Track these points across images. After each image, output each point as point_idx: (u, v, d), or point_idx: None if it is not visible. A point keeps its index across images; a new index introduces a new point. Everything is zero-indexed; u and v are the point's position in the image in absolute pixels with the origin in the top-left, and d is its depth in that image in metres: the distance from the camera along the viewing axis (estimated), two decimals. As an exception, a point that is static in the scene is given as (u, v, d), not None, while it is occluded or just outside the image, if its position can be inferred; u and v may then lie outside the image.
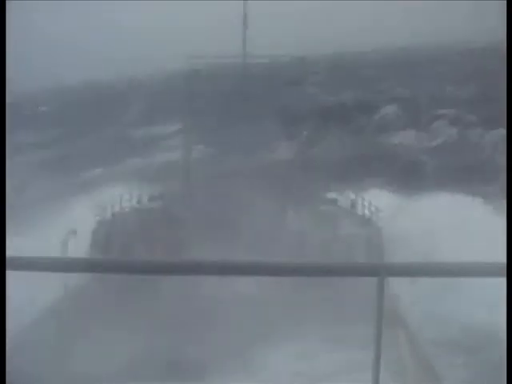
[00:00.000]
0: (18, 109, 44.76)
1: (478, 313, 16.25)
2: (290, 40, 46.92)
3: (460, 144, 43.28)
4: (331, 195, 25.94)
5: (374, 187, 31.69)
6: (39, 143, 48.45)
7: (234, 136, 29.58)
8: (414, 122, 46.22)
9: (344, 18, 58.06)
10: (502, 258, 3.07)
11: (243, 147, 28.77)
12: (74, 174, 38.96)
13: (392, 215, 23.61)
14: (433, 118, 46.17)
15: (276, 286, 12.72)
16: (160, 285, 13.91)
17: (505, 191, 11.42)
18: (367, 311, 3.04)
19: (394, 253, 19.94)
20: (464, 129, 44.59)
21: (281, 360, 13.05)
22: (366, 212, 23.52)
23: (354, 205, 24.40)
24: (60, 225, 20.29)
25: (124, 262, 3.09)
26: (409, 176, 36.91)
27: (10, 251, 2.93)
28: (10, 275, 2.94)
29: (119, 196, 23.99)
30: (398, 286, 14.25)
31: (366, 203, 23.83)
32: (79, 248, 18.70)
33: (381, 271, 2.81)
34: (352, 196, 25.04)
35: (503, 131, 36.68)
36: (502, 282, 2.85)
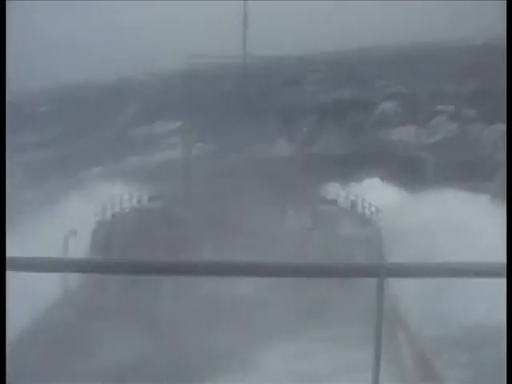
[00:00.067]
0: (18, 109, 44.72)
1: (478, 311, 16.26)
2: (290, 40, 46.91)
3: (459, 139, 43.39)
4: (331, 193, 25.96)
5: (373, 183, 31.75)
6: (39, 143, 48.44)
7: (234, 134, 29.62)
8: (414, 118, 46.26)
9: (344, 18, 58.07)
10: (502, 256, 3.06)
11: (243, 145, 28.80)
12: (74, 174, 38.95)
13: (391, 213, 23.55)
14: (432, 114, 46.22)
15: (276, 286, 12.70)
16: (160, 285, 13.89)
17: (504, 188, 11.34)
18: (367, 311, 3.03)
19: (394, 251, 19.91)
20: (463, 124, 44.65)
21: (280, 360, 13.02)
22: (366, 212, 23.52)
23: (354, 205, 24.41)
24: (60, 225, 20.25)
25: (124, 262, 3.08)
26: (408, 172, 37.00)
27: (9, 252, 2.93)
28: (10, 275, 2.93)
29: (119, 196, 23.97)
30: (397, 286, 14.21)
31: (366, 204, 23.82)
32: (79, 248, 18.68)
33: (381, 272, 2.80)
34: (352, 196, 25.04)
35: (502, 126, 36.73)
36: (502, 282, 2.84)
